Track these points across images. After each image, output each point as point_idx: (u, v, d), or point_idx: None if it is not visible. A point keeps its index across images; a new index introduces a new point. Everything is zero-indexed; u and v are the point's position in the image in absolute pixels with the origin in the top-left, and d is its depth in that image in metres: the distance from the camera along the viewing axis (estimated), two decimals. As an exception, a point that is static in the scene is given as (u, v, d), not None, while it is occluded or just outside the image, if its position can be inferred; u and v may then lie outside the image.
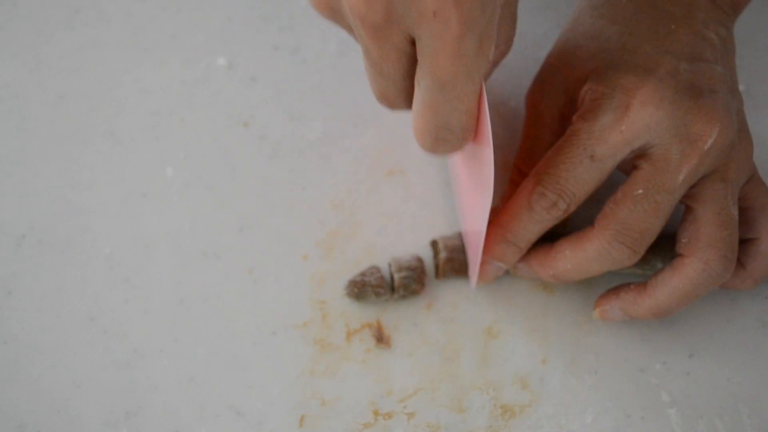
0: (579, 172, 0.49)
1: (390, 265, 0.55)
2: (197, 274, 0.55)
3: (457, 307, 0.55)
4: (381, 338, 0.54)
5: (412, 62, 0.43)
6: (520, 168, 0.54)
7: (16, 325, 0.54)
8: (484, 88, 0.44)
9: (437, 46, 0.41)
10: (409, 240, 0.56)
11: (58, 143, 0.59)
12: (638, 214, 0.49)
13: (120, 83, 0.60)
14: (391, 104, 0.46)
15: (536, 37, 0.62)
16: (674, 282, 0.50)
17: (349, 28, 0.44)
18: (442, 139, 0.45)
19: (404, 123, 0.59)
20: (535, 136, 0.53)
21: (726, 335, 0.54)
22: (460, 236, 0.55)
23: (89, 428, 0.52)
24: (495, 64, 0.50)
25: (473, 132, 0.45)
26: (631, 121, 0.48)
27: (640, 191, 0.49)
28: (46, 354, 0.53)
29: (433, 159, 0.58)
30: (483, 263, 0.52)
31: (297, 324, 0.54)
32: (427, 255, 0.56)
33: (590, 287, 0.55)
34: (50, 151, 0.58)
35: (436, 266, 0.55)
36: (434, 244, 0.55)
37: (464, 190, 0.53)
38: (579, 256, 0.50)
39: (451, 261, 0.54)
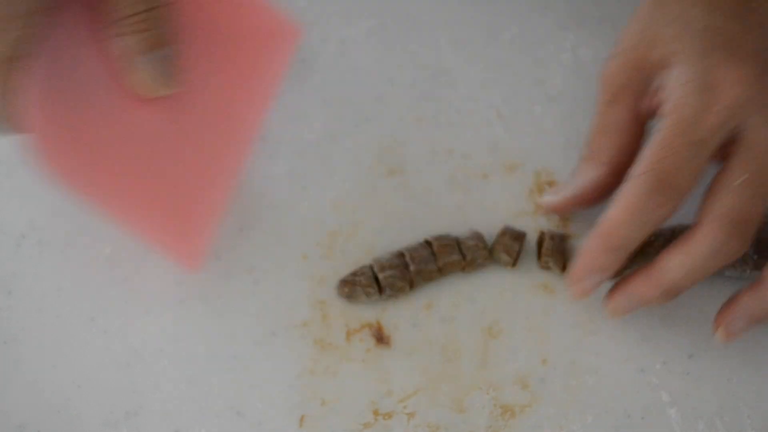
0: (683, 164, 0.48)
1: (373, 267, 0.55)
2: (197, 274, 0.55)
3: (457, 307, 0.55)
4: (381, 338, 0.54)
5: None
6: (592, 147, 0.54)
7: (16, 325, 0.54)
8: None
9: None
10: (409, 240, 0.56)
11: (58, 143, 0.58)
12: (743, 203, 0.48)
13: (120, 83, 0.60)
14: None
15: (536, 37, 0.62)
16: None
17: None
18: None
19: (405, 123, 0.59)
20: (609, 112, 0.53)
21: (726, 335, 0.54)
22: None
23: (89, 428, 0.52)
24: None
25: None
26: (724, 101, 0.48)
27: (740, 180, 0.48)
28: (46, 354, 0.53)
29: (433, 158, 0.58)
30: (580, 279, 0.52)
31: (297, 324, 0.54)
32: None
33: (590, 287, 0.55)
34: (50, 151, 0.58)
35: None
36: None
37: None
38: (691, 261, 0.49)
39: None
